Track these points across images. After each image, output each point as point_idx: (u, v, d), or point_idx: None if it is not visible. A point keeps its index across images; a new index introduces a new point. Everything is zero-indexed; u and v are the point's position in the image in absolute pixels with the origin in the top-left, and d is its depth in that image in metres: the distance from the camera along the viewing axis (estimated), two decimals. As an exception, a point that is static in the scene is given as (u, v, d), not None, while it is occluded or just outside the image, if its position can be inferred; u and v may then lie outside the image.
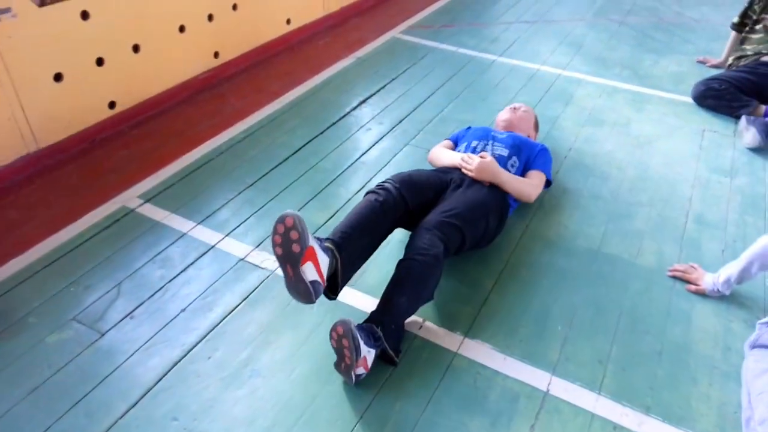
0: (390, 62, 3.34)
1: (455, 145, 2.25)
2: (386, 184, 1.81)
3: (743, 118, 2.69)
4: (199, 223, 2.09)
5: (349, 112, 2.84)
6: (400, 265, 1.63)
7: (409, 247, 1.66)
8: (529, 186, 2.03)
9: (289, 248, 1.40)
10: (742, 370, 1.56)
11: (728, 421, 1.49)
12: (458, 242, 1.74)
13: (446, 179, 1.95)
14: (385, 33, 3.71)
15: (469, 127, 2.32)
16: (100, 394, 1.49)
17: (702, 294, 1.84)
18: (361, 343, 1.43)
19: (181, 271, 1.88)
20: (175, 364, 1.58)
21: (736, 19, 3.16)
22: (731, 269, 1.77)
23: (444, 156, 2.12)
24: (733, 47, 3.20)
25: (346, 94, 3.01)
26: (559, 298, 1.82)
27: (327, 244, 1.55)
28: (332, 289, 1.58)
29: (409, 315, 1.64)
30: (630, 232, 2.10)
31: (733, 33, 3.20)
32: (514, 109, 2.35)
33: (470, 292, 1.83)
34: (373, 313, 1.57)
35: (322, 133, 2.67)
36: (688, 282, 1.88)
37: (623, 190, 2.32)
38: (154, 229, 2.05)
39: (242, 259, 1.94)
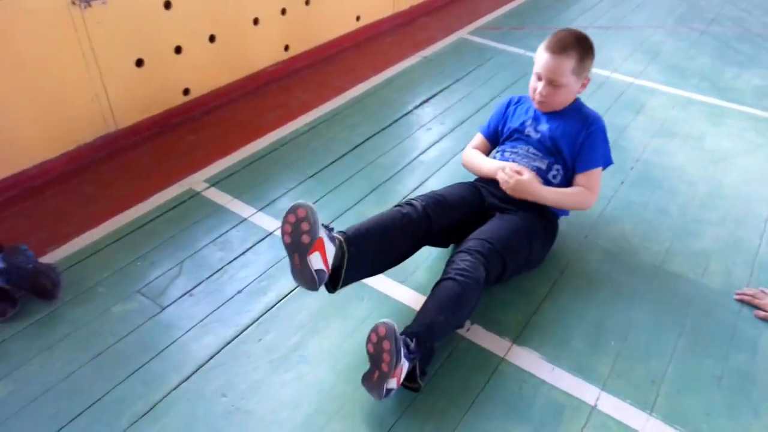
0: (456, 63, 3.32)
1: (493, 139, 2.03)
2: (414, 201, 1.74)
3: (833, 139, 2.51)
4: (259, 210, 2.15)
5: (411, 111, 2.85)
6: (440, 284, 1.57)
7: (450, 267, 1.60)
8: (577, 198, 1.84)
9: (299, 238, 1.41)
10: (812, 406, 1.47)
11: (791, 458, 1.40)
12: (499, 270, 1.66)
13: (484, 198, 1.85)
14: (453, 33, 3.69)
15: (505, 110, 2.00)
16: (157, 365, 1.57)
17: (772, 321, 1.74)
18: (402, 348, 1.38)
19: (240, 255, 1.94)
20: (228, 343, 1.64)
21: None
22: (807, 298, 1.66)
23: (481, 165, 1.94)
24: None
25: (409, 92, 3.02)
26: (615, 313, 1.76)
27: (336, 234, 1.54)
28: (333, 281, 1.54)
29: (443, 337, 1.57)
30: (697, 250, 2.00)
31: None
32: (542, 90, 1.81)
33: (522, 298, 1.80)
34: (408, 327, 1.49)
35: (383, 129, 2.69)
36: (757, 308, 1.78)
37: (692, 207, 2.21)
38: (217, 213, 2.14)
39: (297, 248, 1.98)
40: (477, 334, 1.68)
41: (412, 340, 1.44)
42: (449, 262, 1.63)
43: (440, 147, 2.58)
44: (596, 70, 3.22)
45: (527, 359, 1.61)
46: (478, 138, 2.07)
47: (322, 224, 1.48)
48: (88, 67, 2.29)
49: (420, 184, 2.32)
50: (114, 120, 2.46)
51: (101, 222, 2.08)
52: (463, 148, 2.54)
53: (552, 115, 1.88)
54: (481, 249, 1.63)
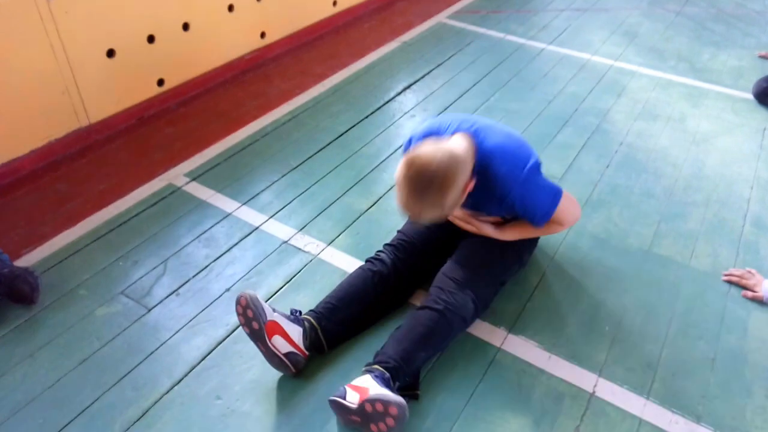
0: (436, 48, 3.28)
1: None
2: (382, 255, 1.67)
3: (809, 118, 2.55)
4: (243, 204, 2.10)
5: (393, 98, 2.81)
6: (427, 312, 1.50)
7: (439, 295, 1.52)
8: (547, 229, 1.64)
9: (251, 325, 1.43)
10: (801, 384, 1.50)
11: (784, 435, 1.43)
12: (492, 296, 1.64)
13: (456, 230, 1.70)
14: (432, 17, 3.64)
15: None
16: (146, 369, 1.52)
17: (759, 301, 1.76)
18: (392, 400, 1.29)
19: (226, 251, 1.89)
20: (219, 343, 1.59)
21: None
22: (792, 277, 1.69)
23: None
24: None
25: (390, 79, 2.97)
26: (607, 298, 1.77)
27: (304, 316, 1.53)
28: (318, 348, 1.53)
29: (421, 366, 1.50)
30: (684, 232, 2.02)
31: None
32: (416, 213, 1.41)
33: (515, 287, 1.79)
34: (386, 357, 1.42)
35: (365, 118, 2.64)
36: (744, 288, 1.81)
37: (678, 189, 2.23)
38: (200, 208, 2.07)
39: (285, 242, 1.94)
40: (473, 325, 1.66)
41: (394, 383, 1.39)
42: (435, 287, 1.56)
43: (425, 134, 2.54)
44: (576, 54, 3.23)
45: (524, 348, 1.61)
46: None
47: (291, 310, 1.52)
48: (57, 58, 2.18)
49: (407, 173, 2.29)
50: (86, 114, 2.36)
51: (78, 221, 1.99)
52: (448, 135, 2.53)
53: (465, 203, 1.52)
54: (472, 282, 1.55)
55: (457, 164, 1.35)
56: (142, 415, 1.41)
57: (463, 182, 1.39)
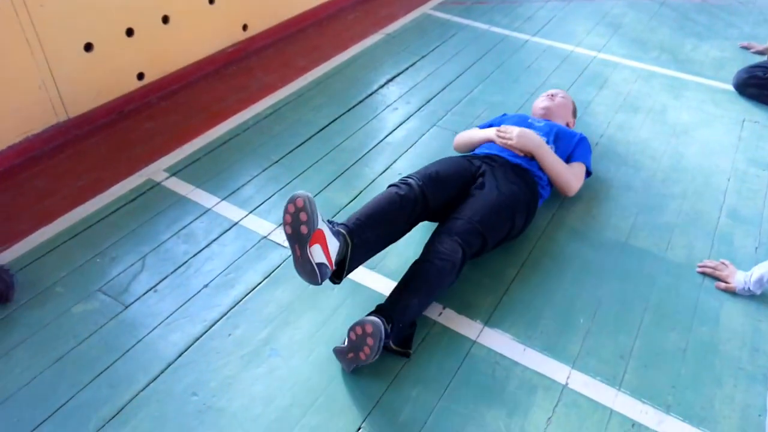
0: (420, 39, 3.27)
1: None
2: (410, 180, 1.77)
3: (787, 109, 2.58)
4: (223, 199, 2.09)
5: (376, 90, 2.80)
6: (416, 266, 1.61)
7: (428, 249, 1.64)
8: (570, 174, 2.00)
9: (298, 229, 1.40)
10: (770, 374, 1.52)
11: (751, 424, 1.45)
12: (478, 247, 1.71)
13: (474, 171, 1.89)
14: (416, 9, 3.62)
15: (504, 114, 2.27)
16: (123, 366, 1.52)
17: (732, 292, 1.79)
18: (382, 343, 1.43)
19: (205, 247, 1.89)
20: (196, 339, 1.60)
21: None
22: (764, 268, 1.72)
23: (475, 135, 2.10)
24: (780, 32, 3.05)
25: (373, 71, 2.96)
26: (583, 291, 1.79)
27: (339, 228, 1.54)
28: (338, 274, 1.55)
29: (418, 315, 1.62)
30: (660, 224, 2.04)
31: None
32: (552, 96, 2.27)
33: (492, 280, 1.80)
34: (382, 306, 1.54)
35: (348, 111, 2.64)
36: (717, 279, 1.83)
37: (656, 181, 2.25)
38: (179, 204, 2.07)
39: (265, 237, 1.94)
40: (449, 319, 1.68)
41: (389, 325, 1.47)
42: (429, 242, 1.67)
43: (407, 127, 2.54)
44: (560, 45, 3.23)
45: (499, 341, 1.63)
46: (473, 129, 2.22)
47: (327, 220, 1.50)
48: (33, 52, 2.16)
49: (388, 167, 2.29)
50: (64, 108, 2.34)
51: (56, 217, 1.98)
52: (429, 128, 2.53)
53: (549, 120, 2.16)
54: (461, 231, 1.67)
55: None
56: (118, 413, 1.41)
57: (574, 111, 2.33)
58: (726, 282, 1.81)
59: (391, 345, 1.51)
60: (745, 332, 1.68)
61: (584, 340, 1.64)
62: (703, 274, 1.85)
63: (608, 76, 2.95)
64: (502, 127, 2.00)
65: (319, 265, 1.43)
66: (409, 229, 1.77)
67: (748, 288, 1.75)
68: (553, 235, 1.99)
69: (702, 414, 1.47)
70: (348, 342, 1.46)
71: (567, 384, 1.52)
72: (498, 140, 1.97)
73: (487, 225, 1.71)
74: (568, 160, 2.07)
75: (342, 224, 1.58)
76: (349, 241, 1.53)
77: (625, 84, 2.90)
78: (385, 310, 1.52)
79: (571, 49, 3.21)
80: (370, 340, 1.41)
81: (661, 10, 3.70)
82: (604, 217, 2.07)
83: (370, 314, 1.50)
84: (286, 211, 1.42)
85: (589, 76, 2.95)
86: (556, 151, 2.04)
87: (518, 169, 1.93)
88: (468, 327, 1.66)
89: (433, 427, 1.41)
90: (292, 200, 1.41)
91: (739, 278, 1.78)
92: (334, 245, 1.47)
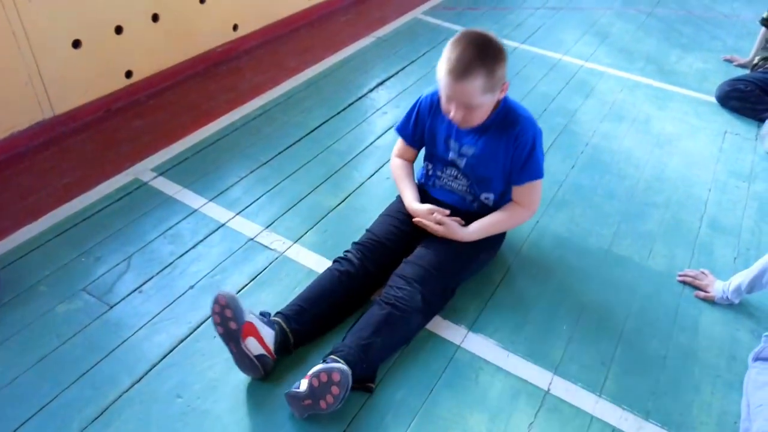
0: (410, 44, 3.29)
1: (415, 149, 1.88)
2: (349, 255, 1.68)
3: (766, 122, 2.64)
4: (210, 200, 2.09)
5: (366, 94, 2.81)
6: (379, 304, 1.55)
7: (389, 292, 1.58)
8: (509, 222, 1.76)
9: (227, 325, 1.41)
10: (744, 381, 1.56)
11: (727, 430, 1.49)
12: (439, 294, 1.65)
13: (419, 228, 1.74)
14: (407, 13, 3.65)
15: (425, 116, 1.76)
16: (106, 367, 1.51)
17: (711, 301, 1.83)
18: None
19: (191, 248, 1.89)
20: (181, 341, 1.60)
21: (765, 14, 3.07)
22: (742, 277, 1.75)
23: (405, 195, 1.81)
24: (762, 44, 3.11)
25: (364, 74, 2.97)
26: (566, 298, 1.81)
27: (276, 318, 1.53)
28: (285, 350, 1.52)
29: (382, 358, 1.54)
30: (642, 233, 2.08)
31: (763, 29, 3.11)
32: (453, 115, 1.57)
33: (477, 286, 1.82)
34: (342, 346, 1.46)
35: (338, 113, 2.65)
36: (697, 288, 1.87)
37: (639, 190, 2.29)
38: (166, 204, 2.06)
39: (252, 239, 1.94)
40: (434, 323, 1.69)
41: (348, 366, 1.40)
42: (388, 285, 1.61)
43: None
44: (548, 53, 3.27)
45: (483, 346, 1.64)
46: (400, 144, 1.89)
47: (260, 312, 1.52)
48: (20, 48, 2.14)
49: (376, 171, 2.31)
50: (51, 105, 2.32)
51: (40, 215, 1.97)
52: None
53: (476, 131, 1.66)
54: (418, 278, 1.59)
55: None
56: (101, 414, 1.41)
57: (504, 72, 1.54)
58: (705, 291, 1.85)
59: (354, 385, 1.42)
60: (723, 340, 1.72)
61: (567, 346, 1.66)
62: (684, 282, 1.89)
63: (595, 85, 3.00)
64: (424, 219, 1.71)
65: (259, 357, 1.44)
66: (357, 304, 1.67)
67: (727, 297, 1.79)
68: (537, 242, 2.01)
69: (680, 420, 1.50)
70: (308, 387, 1.34)
71: (549, 390, 1.55)
72: (424, 225, 1.71)
73: (447, 271, 1.65)
74: (510, 183, 1.73)
75: (278, 313, 1.56)
76: (285, 327, 1.51)
77: (611, 93, 2.94)
78: (346, 353, 1.43)
79: (559, 57, 3.25)
80: (335, 389, 1.33)
81: (647, 21, 3.77)
82: (587, 224, 2.10)
83: (329, 359, 1.41)
84: (213, 312, 1.42)
85: (576, 84, 2.99)
86: (493, 190, 1.74)
87: (470, 215, 1.76)
88: (453, 332, 1.68)
89: (416, 430, 1.43)
90: (216, 300, 1.41)
91: (718, 287, 1.82)
92: (268, 334, 1.47)
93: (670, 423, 1.49)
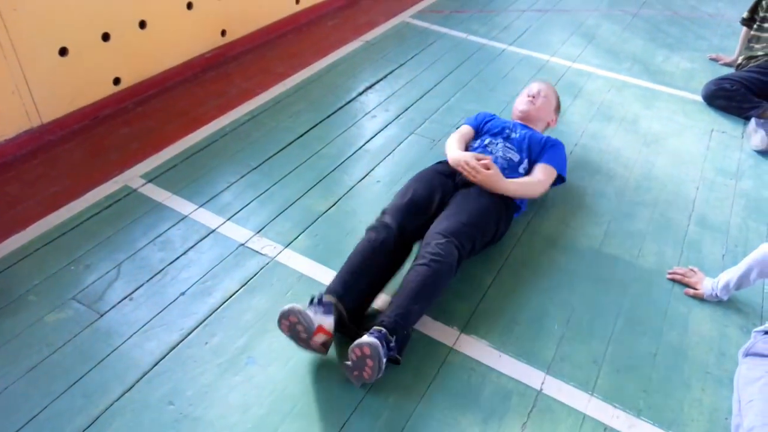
0: (398, 47, 3.30)
1: (476, 132, 2.21)
2: (386, 218, 1.79)
3: (752, 120, 2.67)
4: (200, 206, 2.08)
5: (355, 98, 2.82)
6: (416, 269, 1.64)
7: (425, 250, 1.67)
8: (531, 186, 2.01)
9: (297, 335, 1.50)
10: (735, 377, 1.57)
11: (718, 426, 1.50)
12: (470, 249, 1.76)
13: (452, 182, 1.96)
14: (395, 17, 3.66)
15: (493, 116, 2.25)
16: (97, 375, 1.50)
17: (700, 298, 1.84)
18: (384, 351, 1.44)
19: (182, 255, 1.88)
20: (173, 348, 1.59)
21: (746, 15, 3.11)
22: (730, 274, 1.77)
23: (452, 152, 2.05)
24: (744, 44, 3.15)
25: (352, 78, 2.98)
26: (557, 297, 1.82)
27: (329, 298, 1.57)
28: (343, 329, 1.58)
29: (419, 319, 1.65)
30: (632, 232, 2.09)
31: (744, 29, 3.15)
32: (533, 98, 2.25)
33: (468, 287, 1.83)
34: (385, 317, 1.54)
35: (327, 118, 2.65)
36: (686, 285, 1.88)
37: (628, 189, 2.30)
38: (156, 210, 2.05)
39: (243, 245, 1.94)
40: (426, 325, 1.70)
41: (392, 336, 1.49)
42: (424, 245, 1.71)
43: (386, 135, 2.56)
44: (536, 54, 3.29)
45: (475, 347, 1.65)
46: (464, 128, 2.22)
47: (315, 300, 1.55)
48: (6, 57, 2.13)
49: (366, 174, 2.31)
50: (38, 113, 2.30)
51: (29, 224, 1.95)
52: (408, 136, 2.56)
53: (526, 128, 2.17)
54: (455, 231, 1.72)
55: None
56: (92, 423, 1.40)
57: (557, 108, 2.37)
58: (694, 288, 1.86)
59: (398, 356, 1.52)
60: (713, 337, 1.73)
61: (558, 346, 1.67)
62: (673, 280, 1.91)
63: (582, 86, 3.02)
64: (469, 162, 1.92)
65: (324, 343, 1.52)
66: (400, 262, 1.79)
67: (716, 294, 1.81)
68: (528, 243, 2.02)
69: (671, 417, 1.51)
70: (351, 361, 1.47)
71: (541, 389, 1.55)
72: (465, 172, 1.92)
73: (477, 227, 1.78)
74: (535, 162, 2.09)
75: (331, 290, 1.61)
76: (340, 308, 1.57)
77: (599, 93, 2.96)
78: (388, 320, 1.52)
79: (546, 58, 3.27)
80: (369, 362, 1.43)
81: (633, 22, 3.80)
82: (578, 224, 2.11)
83: (372, 329, 1.50)
84: (281, 325, 1.50)
85: (564, 85, 3.01)
86: (530, 162, 2.09)
87: None
88: (445, 334, 1.68)
89: (410, 433, 1.43)
90: (285, 316, 1.48)
91: (707, 284, 1.84)
92: (330, 323, 1.53)
93: (661, 420, 1.50)
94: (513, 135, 2.13)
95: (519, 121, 2.23)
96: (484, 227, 1.82)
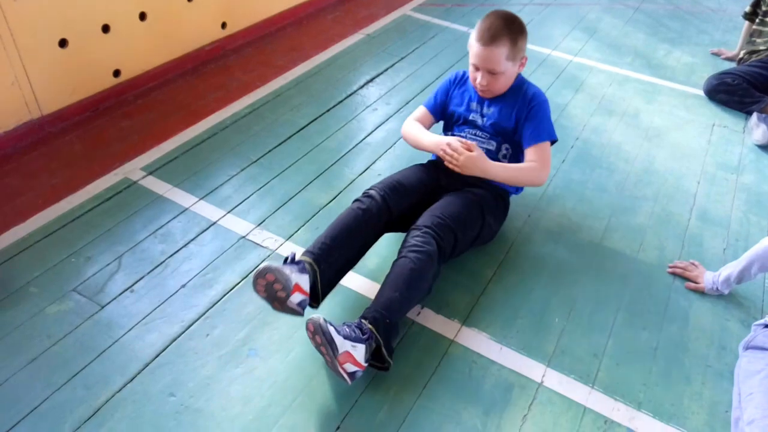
0: (399, 40, 3.28)
1: (434, 117, 2.00)
2: (372, 191, 1.75)
3: (754, 115, 2.66)
4: (201, 199, 2.08)
5: (355, 91, 2.81)
6: (394, 264, 1.60)
7: (403, 245, 1.64)
8: (529, 173, 1.81)
9: (274, 294, 1.47)
10: (735, 371, 1.57)
11: (718, 419, 1.50)
12: (452, 242, 1.69)
13: (438, 179, 1.86)
14: (396, 10, 3.65)
15: (455, 86, 1.96)
16: (98, 367, 1.50)
17: (701, 292, 1.84)
18: (336, 336, 1.36)
19: (182, 247, 1.88)
20: (174, 340, 1.59)
21: (748, 9, 3.10)
22: (731, 268, 1.77)
23: (421, 138, 1.90)
24: (746, 38, 3.14)
25: (353, 71, 2.97)
26: (558, 291, 1.82)
27: (305, 257, 1.55)
28: (314, 298, 1.56)
29: (403, 312, 1.58)
30: (633, 226, 2.09)
31: (746, 23, 3.14)
32: (481, 81, 1.79)
33: (469, 280, 1.83)
34: (366, 310, 1.51)
35: (327, 111, 2.64)
36: (687, 279, 1.88)
37: (629, 184, 2.30)
38: (156, 203, 2.05)
39: (243, 237, 1.93)
40: (427, 318, 1.70)
41: (367, 321, 1.46)
42: (403, 241, 1.67)
43: (386, 128, 2.56)
44: (537, 48, 3.28)
45: (476, 340, 1.65)
46: (421, 110, 2.00)
47: (289, 258, 1.53)
48: (6, 48, 2.12)
49: (367, 167, 2.30)
50: (38, 105, 2.29)
51: (29, 216, 1.95)
52: (408, 130, 2.55)
53: (495, 99, 1.87)
54: (431, 224, 1.66)
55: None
56: (93, 414, 1.40)
57: (525, 44, 1.82)
58: (695, 282, 1.86)
59: (383, 346, 1.47)
60: (713, 331, 1.73)
61: (559, 339, 1.67)
62: (674, 274, 1.91)
63: (584, 80, 3.01)
64: (450, 145, 1.78)
65: (300, 303, 1.49)
66: (374, 240, 1.74)
67: (717, 288, 1.81)
68: (529, 236, 2.02)
69: (672, 410, 1.51)
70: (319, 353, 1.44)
71: (542, 382, 1.55)
72: (446, 157, 1.79)
73: (457, 220, 1.70)
74: (522, 144, 1.85)
75: (307, 251, 1.58)
76: (315, 268, 1.54)
77: (600, 88, 2.96)
78: (367, 312, 1.49)
79: (548, 52, 3.26)
80: (318, 338, 1.38)
81: (635, 16, 3.79)
82: (578, 218, 2.11)
83: (361, 320, 1.47)
84: (256, 283, 1.47)
85: (565, 79, 3.00)
86: (510, 145, 1.87)
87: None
88: (446, 326, 1.68)
89: (410, 425, 1.43)
90: (262, 275, 1.45)
91: (707, 278, 1.84)
92: (305, 281, 1.50)
93: (662, 413, 1.50)
94: (480, 120, 1.88)
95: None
96: (465, 219, 1.73)
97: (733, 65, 3.13)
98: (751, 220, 2.16)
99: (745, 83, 2.81)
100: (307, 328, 1.41)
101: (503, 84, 1.82)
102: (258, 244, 1.91)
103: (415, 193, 1.81)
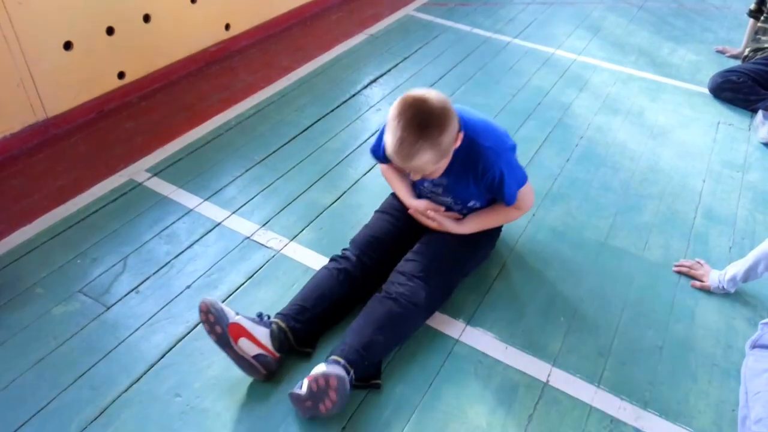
0: (403, 40, 3.28)
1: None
2: (346, 252, 1.69)
3: (759, 113, 2.65)
4: (206, 200, 2.08)
5: (359, 91, 2.81)
6: (380, 300, 1.55)
7: (392, 287, 1.57)
8: (502, 218, 1.77)
9: (215, 330, 1.43)
10: (742, 369, 1.56)
11: (725, 418, 1.50)
12: (444, 283, 1.64)
13: (417, 224, 1.75)
14: (399, 10, 3.65)
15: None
16: (104, 368, 1.51)
17: (707, 291, 1.84)
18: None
19: (187, 248, 1.88)
20: (179, 340, 1.59)
21: (753, 6, 3.09)
22: (737, 267, 1.76)
23: (400, 193, 1.78)
24: (751, 36, 3.13)
25: (357, 72, 2.97)
26: (563, 290, 1.82)
27: (274, 318, 1.53)
28: (290, 349, 1.52)
29: (381, 357, 1.52)
30: (638, 225, 2.08)
31: (751, 21, 3.13)
32: (414, 174, 1.51)
33: (474, 280, 1.82)
34: (345, 345, 1.45)
35: (331, 111, 2.64)
36: (693, 278, 1.88)
37: (634, 182, 2.29)
38: (161, 204, 2.05)
39: (248, 238, 1.94)
40: (432, 317, 1.69)
41: (351, 369, 1.41)
42: (389, 282, 1.61)
43: (390, 128, 2.55)
44: (541, 47, 3.27)
45: (481, 339, 1.65)
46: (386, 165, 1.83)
47: (257, 314, 1.52)
48: (11, 50, 2.13)
49: (371, 168, 2.30)
50: (43, 107, 2.31)
51: (35, 218, 1.96)
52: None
53: (443, 173, 1.57)
54: (422, 274, 1.59)
55: (450, 106, 1.41)
56: (100, 414, 1.40)
57: (456, 128, 1.43)
58: (701, 281, 1.85)
59: (358, 384, 1.45)
60: (719, 329, 1.72)
61: (565, 338, 1.67)
62: (680, 273, 1.90)
63: (588, 79, 3.00)
64: (423, 210, 1.69)
65: (256, 356, 1.44)
66: (356, 297, 1.64)
67: (722, 286, 1.80)
68: (534, 235, 2.01)
69: (678, 409, 1.50)
70: (308, 390, 1.35)
71: (548, 381, 1.55)
72: (420, 220, 1.72)
73: (450, 263, 1.65)
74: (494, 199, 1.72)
75: (278, 313, 1.55)
76: (283, 325, 1.50)
77: (605, 86, 2.95)
78: (348, 354, 1.43)
79: (552, 51, 3.25)
80: (332, 394, 1.32)
81: (639, 14, 3.77)
82: (583, 217, 2.11)
83: (331, 359, 1.42)
84: (201, 321, 1.44)
85: (569, 78, 3.00)
86: (476, 196, 1.68)
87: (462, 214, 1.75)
88: (451, 326, 1.68)
89: (416, 425, 1.43)
90: (199, 309, 1.43)
91: (713, 277, 1.83)
92: (262, 333, 1.46)
93: (668, 412, 1.49)
94: (439, 193, 1.69)
95: None
96: (460, 261, 1.67)
97: (738, 63, 3.11)
98: (757, 219, 2.15)
99: (750, 81, 2.79)
100: (327, 379, 1.32)
101: (441, 170, 1.53)
102: (263, 244, 1.92)
103: (395, 244, 1.72)
